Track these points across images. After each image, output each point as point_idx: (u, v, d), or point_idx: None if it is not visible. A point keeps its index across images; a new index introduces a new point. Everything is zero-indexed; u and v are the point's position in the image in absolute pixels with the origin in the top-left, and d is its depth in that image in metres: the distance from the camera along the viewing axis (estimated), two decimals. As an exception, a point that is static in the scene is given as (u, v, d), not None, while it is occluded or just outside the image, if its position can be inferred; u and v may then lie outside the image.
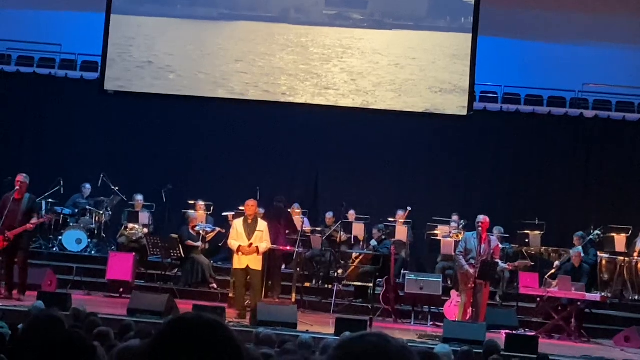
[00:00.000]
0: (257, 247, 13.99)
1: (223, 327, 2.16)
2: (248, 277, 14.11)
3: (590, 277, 16.15)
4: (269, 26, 19.91)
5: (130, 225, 17.53)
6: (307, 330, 12.32)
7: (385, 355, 2.00)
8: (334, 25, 19.77)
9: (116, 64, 19.63)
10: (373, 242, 17.20)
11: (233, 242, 14.15)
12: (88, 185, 18.60)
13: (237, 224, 14.28)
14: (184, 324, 2.14)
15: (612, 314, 16.18)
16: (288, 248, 15.62)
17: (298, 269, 15.91)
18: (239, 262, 14.02)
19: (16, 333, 7.61)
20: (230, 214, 17.15)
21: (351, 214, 18.12)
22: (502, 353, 10.04)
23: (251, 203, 14.39)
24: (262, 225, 14.22)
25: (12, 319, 9.86)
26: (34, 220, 14.26)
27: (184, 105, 19.93)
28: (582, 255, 16.00)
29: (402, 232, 17.41)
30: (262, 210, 16.10)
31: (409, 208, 17.98)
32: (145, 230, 17.40)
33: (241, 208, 16.70)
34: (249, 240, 13.98)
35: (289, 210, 16.71)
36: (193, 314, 2.21)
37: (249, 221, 14.16)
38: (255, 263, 14.01)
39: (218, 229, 17.30)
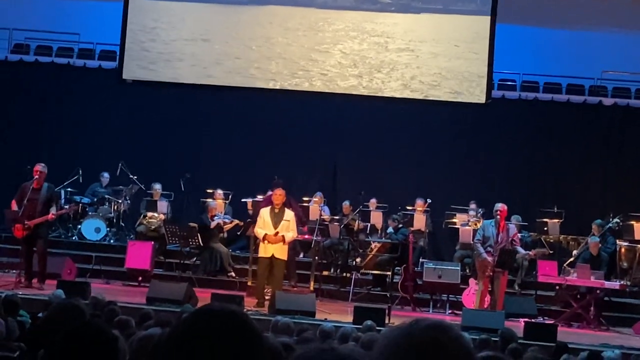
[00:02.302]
0: (283, 236, 13.97)
1: (246, 319, 2.18)
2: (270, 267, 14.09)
3: (609, 265, 16.09)
4: (295, 11, 19.77)
5: (149, 214, 17.58)
6: (326, 319, 12.33)
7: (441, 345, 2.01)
8: (361, 9, 19.64)
9: (134, 52, 19.65)
10: (389, 229, 17.21)
11: (259, 231, 14.13)
12: (106, 174, 18.66)
13: (264, 213, 14.24)
14: (209, 314, 2.16)
15: (631, 302, 16.12)
16: (306, 237, 15.64)
17: (316, 258, 15.93)
18: (265, 250, 14.00)
19: (36, 321, 7.66)
20: (249, 200, 17.14)
21: (372, 202, 18.12)
22: (520, 341, 10.03)
23: (279, 192, 14.36)
24: (289, 214, 14.17)
25: (32, 307, 9.93)
26: (55, 211, 14.33)
27: (202, 94, 19.94)
28: (600, 244, 15.92)
29: (420, 221, 17.39)
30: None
31: (429, 200, 17.88)
32: (162, 216, 17.45)
33: (260, 197, 16.75)
34: (275, 229, 13.96)
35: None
36: (218, 305, 2.23)
37: (276, 210, 14.14)
38: (281, 252, 13.99)
39: (236, 221, 17.32)
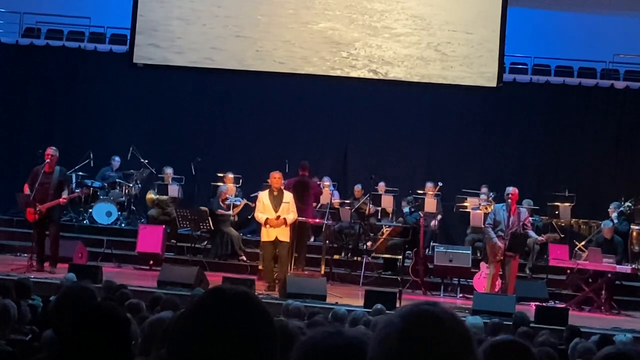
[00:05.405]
0: (284, 218, 13.98)
1: (256, 300, 2.19)
2: (276, 250, 14.12)
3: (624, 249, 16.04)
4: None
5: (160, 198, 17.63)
6: (337, 303, 12.35)
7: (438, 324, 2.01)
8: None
9: (145, 36, 19.57)
10: (405, 209, 17.20)
11: (260, 215, 14.14)
12: (117, 158, 18.68)
13: (263, 197, 14.25)
14: (220, 295, 2.16)
15: (643, 286, 16.10)
16: (317, 220, 15.63)
17: (327, 241, 15.92)
18: (267, 234, 14.03)
19: (48, 305, 7.69)
20: (260, 193, 17.13)
21: (381, 186, 18.12)
22: (531, 325, 10.03)
23: (277, 175, 14.37)
24: (288, 196, 14.18)
25: (44, 291, 9.96)
26: (67, 195, 14.36)
27: (212, 77, 19.92)
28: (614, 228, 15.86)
29: (431, 205, 17.37)
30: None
31: (440, 184, 17.87)
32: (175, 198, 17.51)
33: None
34: (276, 212, 13.97)
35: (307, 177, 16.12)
36: (228, 286, 2.24)
37: (275, 193, 14.15)
38: (284, 235, 14.02)
39: (245, 201, 17.32)
